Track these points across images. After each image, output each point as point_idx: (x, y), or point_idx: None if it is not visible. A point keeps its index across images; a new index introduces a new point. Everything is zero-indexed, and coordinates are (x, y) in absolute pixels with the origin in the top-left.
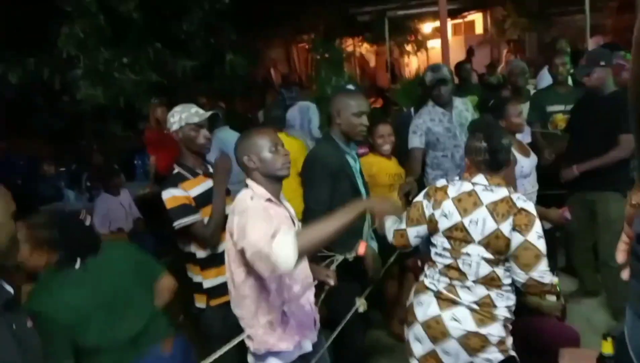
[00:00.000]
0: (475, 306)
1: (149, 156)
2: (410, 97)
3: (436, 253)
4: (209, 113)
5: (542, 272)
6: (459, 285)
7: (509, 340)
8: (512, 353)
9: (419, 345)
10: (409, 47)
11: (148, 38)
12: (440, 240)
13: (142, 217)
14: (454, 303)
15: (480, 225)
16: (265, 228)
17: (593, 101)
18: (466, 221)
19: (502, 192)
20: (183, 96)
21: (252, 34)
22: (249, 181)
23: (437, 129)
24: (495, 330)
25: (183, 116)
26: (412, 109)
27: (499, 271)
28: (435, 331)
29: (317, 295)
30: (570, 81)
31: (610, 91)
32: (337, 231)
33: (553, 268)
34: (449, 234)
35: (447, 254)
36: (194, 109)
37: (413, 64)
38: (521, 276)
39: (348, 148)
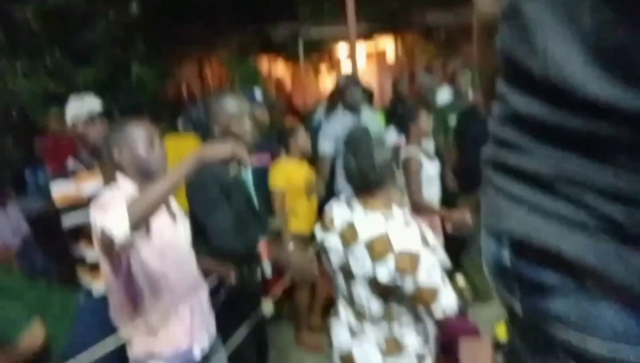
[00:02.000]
0: (382, 343)
1: (43, 170)
2: None
3: (336, 283)
4: (100, 112)
5: (444, 306)
6: (363, 318)
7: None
8: None
9: None
10: (323, 68)
11: (47, 47)
12: (335, 273)
13: (31, 234)
14: (363, 336)
15: (360, 264)
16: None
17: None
18: (349, 256)
19: (379, 224)
20: None
21: (163, 48)
22: (118, 175)
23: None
24: (405, 361)
25: (76, 109)
26: (322, 116)
27: (396, 307)
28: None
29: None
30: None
31: None
32: (170, 190)
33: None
34: (339, 269)
35: (343, 287)
36: (87, 102)
37: (327, 84)
38: (427, 312)
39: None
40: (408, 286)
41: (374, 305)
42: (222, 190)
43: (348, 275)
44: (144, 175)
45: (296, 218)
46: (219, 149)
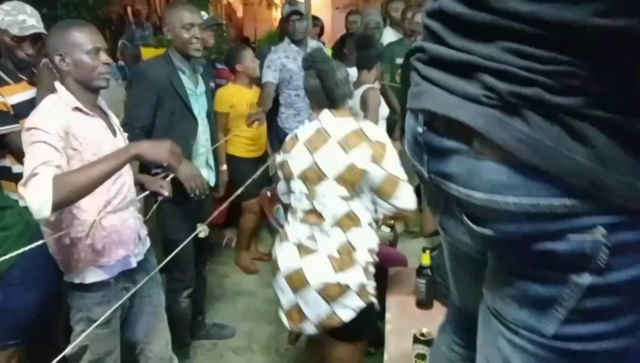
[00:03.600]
0: (335, 254)
1: None
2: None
3: (295, 199)
4: (35, 29)
5: (401, 198)
6: (318, 230)
7: (371, 285)
8: (373, 299)
9: (283, 297)
10: (277, 1)
11: None
12: (296, 185)
13: None
14: (314, 252)
15: (332, 160)
16: (38, 157)
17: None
18: (318, 159)
19: (351, 124)
20: None
21: None
22: (57, 85)
23: (291, 66)
24: (355, 276)
25: (6, 19)
26: (271, 47)
27: (356, 208)
28: (296, 282)
29: (148, 206)
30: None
31: None
32: (103, 177)
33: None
34: (303, 176)
35: (304, 198)
36: (21, 16)
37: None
38: (385, 207)
39: (184, 66)
40: (377, 174)
41: (338, 207)
42: (153, 89)
43: (313, 179)
44: (86, 87)
45: (237, 141)
46: (157, 152)
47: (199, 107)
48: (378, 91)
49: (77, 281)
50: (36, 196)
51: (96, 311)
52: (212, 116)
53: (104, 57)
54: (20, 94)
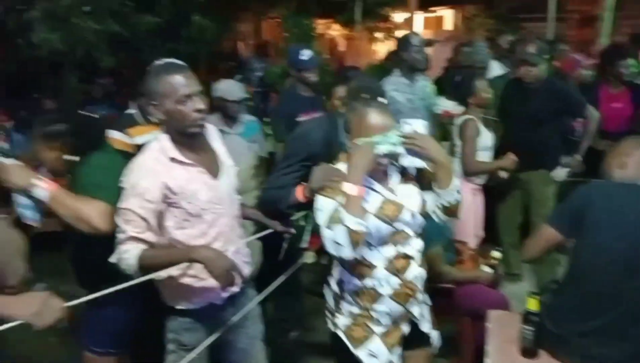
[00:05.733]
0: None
1: (104, 109)
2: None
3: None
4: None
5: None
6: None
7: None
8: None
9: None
10: (378, 35)
11: None
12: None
13: None
14: None
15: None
16: (129, 228)
17: (525, 89)
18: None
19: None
20: (147, 54)
21: (223, 2)
22: (158, 132)
23: (400, 99)
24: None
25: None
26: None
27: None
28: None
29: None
30: None
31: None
32: (171, 264)
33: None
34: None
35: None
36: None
37: (381, 52)
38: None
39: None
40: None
41: None
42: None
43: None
44: (181, 134)
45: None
46: (215, 267)
47: None
48: (475, 122)
49: (169, 304)
50: (124, 264)
51: (184, 335)
52: None
53: (196, 103)
54: (147, 135)
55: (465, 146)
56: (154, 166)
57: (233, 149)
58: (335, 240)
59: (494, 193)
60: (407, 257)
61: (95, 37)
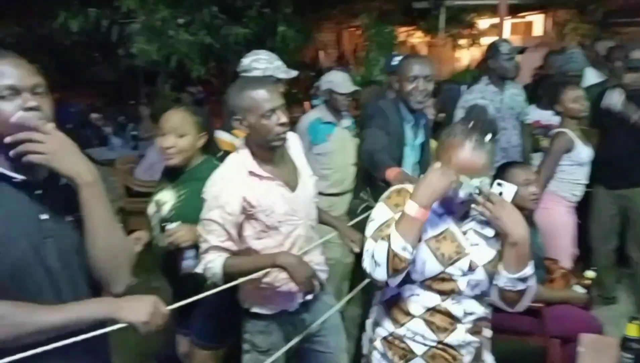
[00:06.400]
0: None
1: None
2: None
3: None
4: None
5: None
6: None
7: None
8: None
9: None
10: (462, 42)
11: (205, 2)
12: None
13: None
14: None
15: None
16: (212, 237)
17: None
18: None
19: None
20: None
21: (307, 10)
22: (239, 144)
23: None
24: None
25: (269, 66)
26: (461, 86)
27: None
28: None
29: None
30: None
31: None
32: (255, 271)
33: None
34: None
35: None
36: (277, 62)
37: (464, 59)
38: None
39: (408, 117)
40: None
41: None
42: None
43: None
44: (264, 148)
45: None
46: (298, 272)
47: (413, 158)
48: (567, 135)
49: (244, 306)
50: (210, 273)
51: (258, 337)
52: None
53: (280, 117)
54: None
55: (546, 158)
56: (234, 179)
57: (341, 141)
58: (374, 257)
59: (589, 209)
60: (452, 317)
61: (188, 48)
